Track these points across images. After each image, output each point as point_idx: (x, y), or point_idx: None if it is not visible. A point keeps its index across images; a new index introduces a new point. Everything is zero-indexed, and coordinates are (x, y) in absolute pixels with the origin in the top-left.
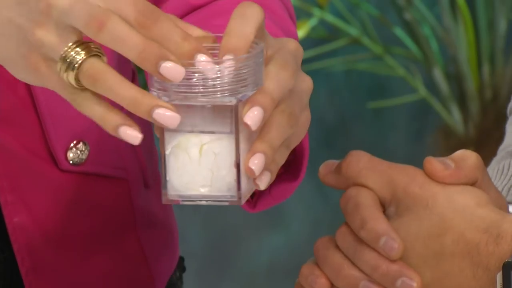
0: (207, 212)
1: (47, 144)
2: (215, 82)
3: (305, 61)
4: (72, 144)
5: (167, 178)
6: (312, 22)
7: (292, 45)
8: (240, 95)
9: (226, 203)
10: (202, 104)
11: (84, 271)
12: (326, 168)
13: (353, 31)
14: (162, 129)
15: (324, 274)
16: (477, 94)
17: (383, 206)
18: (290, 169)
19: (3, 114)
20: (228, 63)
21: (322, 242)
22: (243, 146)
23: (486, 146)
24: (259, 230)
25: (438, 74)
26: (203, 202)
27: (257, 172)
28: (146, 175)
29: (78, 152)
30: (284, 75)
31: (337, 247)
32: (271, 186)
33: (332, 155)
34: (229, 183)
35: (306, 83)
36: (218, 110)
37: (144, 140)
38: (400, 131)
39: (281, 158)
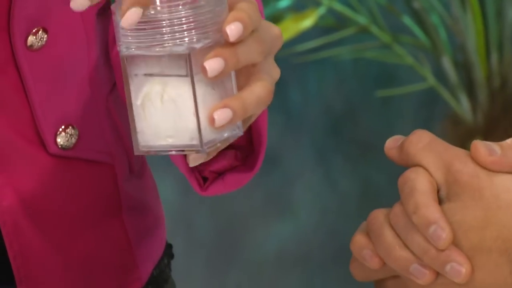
0: (214, 201)
1: (37, 128)
2: (165, 30)
3: (313, 50)
4: (61, 129)
5: (137, 130)
6: (321, 10)
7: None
8: (195, 43)
9: (192, 152)
10: (157, 54)
11: (69, 255)
12: (391, 142)
13: (362, 19)
14: (127, 80)
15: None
16: (486, 82)
17: (437, 188)
18: (247, 161)
19: None
20: (177, 9)
21: (376, 217)
22: (202, 92)
23: (494, 134)
24: (267, 218)
25: (446, 63)
26: (173, 152)
27: (218, 124)
28: (131, 161)
29: (68, 136)
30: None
31: (390, 225)
32: (225, 174)
33: (340, 144)
34: (191, 132)
35: (275, 31)
36: (173, 59)
37: (129, 126)
38: (408, 120)
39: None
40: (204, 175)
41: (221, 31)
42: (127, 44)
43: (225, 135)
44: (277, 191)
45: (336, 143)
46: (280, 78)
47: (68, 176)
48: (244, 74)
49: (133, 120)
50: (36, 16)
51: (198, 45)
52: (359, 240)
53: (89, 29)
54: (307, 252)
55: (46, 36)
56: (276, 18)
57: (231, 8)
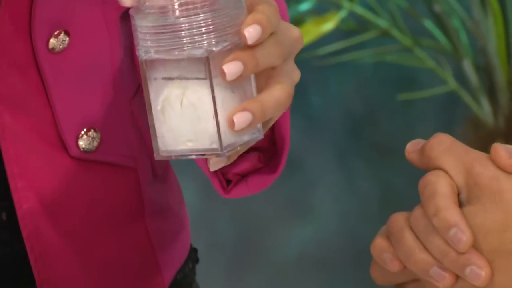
0: (236, 204)
1: (58, 131)
2: (183, 34)
3: (334, 53)
4: (83, 132)
5: (157, 134)
6: (342, 14)
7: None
8: (213, 46)
9: (213, 156)
10: (176, 58)
11: (91, 258)
12: (412, 146)
13: (383, 23)
14: (146, 84)
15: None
16: (507, 85)
17: (458, 191)
18: (270, 163)
19: (15, 99)
20: (195, 13)
21: (397, 220)
22: (222, 95)
23: None
24: (288, 221)
25: (467, 66)
26: (193, 156)
27: (237, 127)
28: (154, 165)
29: (90, 139)
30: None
31: (411, 228)
32: (248, 176)
33: (361, 147)
34: (211, 135)
35: (295, 33)
36: (192, 62)
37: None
38: (429, 123)
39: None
40: (228, 177)
41: (239, 33)
42: (146, 48)
43: (245, 138)
44: (298, 194)
45: (357, 147)
46: (301, 81)
47: (90, 180)
48: (264, 77)
49: (153, 125)
50: (57, 19)
51: (216, 48)
52: (379, 243)
53: (112, 32)
54: (328, 255)
55: (68, 38)
56: (297, 21)
57: (250, 11)
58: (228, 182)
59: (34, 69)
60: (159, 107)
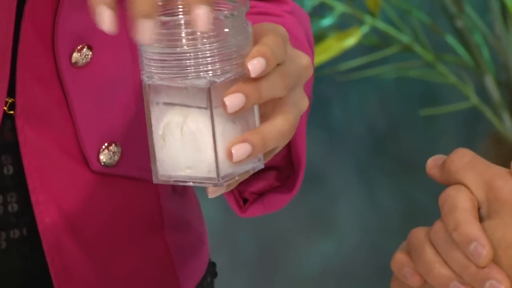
0: (257, 218)
1: (79, 145)
2: (188, 63)
3: (356, 69)
4: (104, 146)
5: (157, 158)
6: (364, 29)
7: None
8: (217, 77)
9: (210, 185)
10: (178, 85)
11: (111, 272)
12: (433, 161)
13: (405, 38)
14: (148, 108)
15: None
16: None
17: (478, 206)
18: (287, 182)
19: (37, 113)
20: (201, 42)
21: (417, 235)
22: (222, 126)
23: None
24: (310, 236)
25: (489, 82)
26: (190, 183)
27: (236, 159)
28: None
29: (111, 154)
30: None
31: (431, 242)
32: (264, 195)
33: (383, 162)
34: (209, 165)
35: (303, 61)
36: (195, 91)
37: None
38: (451, 139)
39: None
40: (244, 196)
41: (243, 65)
42: (150, 74)
43: (245, 168)
44: (320, 209)
45: (379, 162)
46: (323, 96)
47: (111, 194)
48: (271, 104)
49: (153, 148)
50: (81, 33)
51: (219, 79)
52: (399, 258)
53: (134, 46)
54: (350, 270)
55: (90, 53)
56: (319, 37)
57: (256, 41)
58: (245, 200)
59: (57, 83)
60: (160, 132)
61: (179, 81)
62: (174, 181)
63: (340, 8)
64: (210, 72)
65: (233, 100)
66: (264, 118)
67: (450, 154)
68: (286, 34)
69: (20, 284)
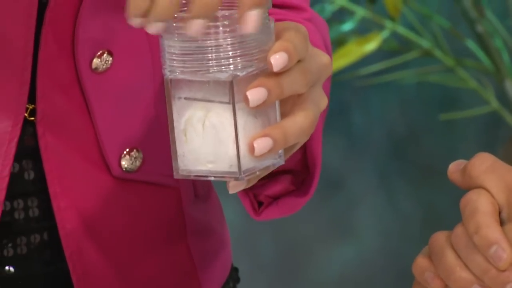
0: (278, 224)
1: (101, 151)
2: (210, 56)
3: (377, 73)
4: (125, 151)
5: (178, 153)
6: (384, 34)
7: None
8: (239, 70)
9: (231, 179)
10: (200, 79)
11: (133, 278)
12: (455, 166)
13: (425, 43)
14: (170, 103)
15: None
16: None
17: (499, 210)
18: (302, 185)
19: (57, 119)
20: (223, 36)
21: (438, 239)
22: (244, 120)
23: None
24: (330, 241)
25: (510, 86)
26: (211, 178)
27: (257, 153)
28: (196, 184)
29: (132, 159)
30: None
31: (452, 246)
32: (279, 198)
33: (403, 167)
34: (231, 159)
35: (323, 60)
36: (217, 85)
37: None
38: (471, 143)
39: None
40: (260, 199)
41: (266, 60)
42: (172, 68)
43: (265, 163)
44: (340, 214)
45: (399, 167)
46: (343, 101)
47: (132, 199)
48: (290, 103)
49: (174, 144)
50: (101, 39)
51: (241, 73)
52: (420, 262)
53: (155, 51)
54: (370, 276)
55: (111, 58)
56: (339, 42)
57: (278, 37)
58: (259, 204)
59: (77, 89)
60: (181, 127)
61: (201, 75)
62: (195, 175)
63: (360, 13)
64: (232, 66)
65: (256, 94)
66: (283, 115)
67: (471, 159)
68: (307, 33)
69: None
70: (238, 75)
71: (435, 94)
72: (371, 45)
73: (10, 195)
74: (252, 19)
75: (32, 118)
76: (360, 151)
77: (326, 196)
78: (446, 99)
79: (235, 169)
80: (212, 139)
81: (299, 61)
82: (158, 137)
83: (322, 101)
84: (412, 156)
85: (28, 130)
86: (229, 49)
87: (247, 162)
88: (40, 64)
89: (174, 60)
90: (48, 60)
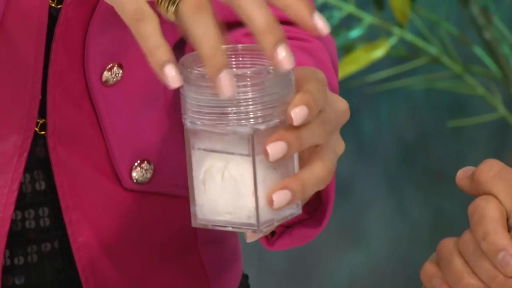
0: None
1: (111, 163)
2: (230, 110)
3: (384, 80)
4: (136, 163)
5: (196, 202)
6: (392, 41)
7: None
8: (259, 124)
9: (249, 230)
10: (220, 132)
11: None
12: (463, 173)
13: (433, 50)
14: (189, 152)
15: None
16: None
17: (507, 216)
18: (314, 215)
19: (69, 132)
20: (244, 90)
21: (446, 245)
22: (263, 172)
23: None
24: (339, 248)
25: None
26: (229, 228)
27: (276, 206)
28: None
29: (143, 171)
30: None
31: (459, 252)
32: (292, 229)
33: (412, 174)
34: (249, 211)
35: (341, 107)
36: (237, 138)
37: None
38: (479, 150)
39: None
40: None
41: (286, 112)
42: (192, 119)
43: (283, 214)
44: (349, 220)
45: (408, 173)
46: (352, 108)
47: (144, 211)
48: (307, 150)
49: (193, 192)
50: (111, 52)
51: (262, 127)
52: (428, 269)
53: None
54: (379, 281)
55: (121, 71)
56: (347, 48)
57: (298, 87)
58: (272, 233)
59: (88, 102)
60: (200, 177)
61: (221, 128)
62: (213, 225)
63: (368, 19)
64: (252, 120)
65: (275, 149)
66: (301, 162)
67: (479, 165)
68: (325, 79)
69: None
70: (258, 129)
71: (443, 101)
72: (379, 52)
73: (21, 205)
74: (280, 54)
75: (43, 132)
76: (369, 157)
77: (336, 202)
78: (454, 105)
79: (253, 221)
80: (231, 191)
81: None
82: (169, 149)
83: (339, 147)
84: (420, 162)
85: (39, 142)
86: (250, 103)
87: (265, 214)
88: (50, 78)
89: (195, 111)
90: (59, 74)
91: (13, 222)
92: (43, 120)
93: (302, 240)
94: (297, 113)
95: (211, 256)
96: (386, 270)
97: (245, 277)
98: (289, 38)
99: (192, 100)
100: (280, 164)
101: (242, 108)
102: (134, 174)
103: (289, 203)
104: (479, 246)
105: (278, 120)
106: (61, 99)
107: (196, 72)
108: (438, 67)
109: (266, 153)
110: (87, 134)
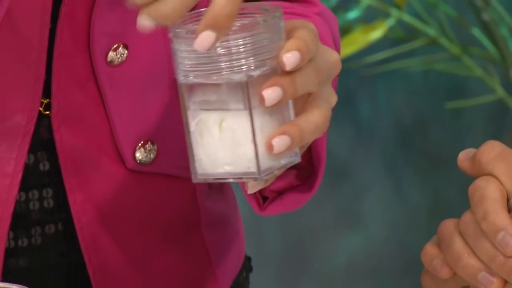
0: (284, 214)
1: (115, 143)
2: (222, 58)
3: (382, 61)
4: (140, 144)
5: (195, 157)
6: (390, 22)
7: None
8: (252, 71)
9: (250, 180)
10: (214, 82)
11: (149, 270)
12: (464, 154)
13: (431, 31)
14: (184, 108)
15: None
16: None
17: (507, 197)
18: (306, 182)
19: (73, 112)
20: (234, 37)
21: (446, 226)
22: (260, 120)
23: None
24: (337, 231)
25: None
26: (230, 180)
27: (276, 151)
28: None
29: (146, 152)
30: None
31: (460, 233)
32: (284, 194)
33: (410, 156)
34: (249, 160)
35: (333, 57)
36: (231, 87)
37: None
38: (477, 132)
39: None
40: (265, 194)
41: (278, 59)
42: (185, 72)
43: (282, 162)
44: (347, 204)
45: (406, 156)
46: (349, 90)
47: (147, 191)
48: (301, 101)
49: (191, 148)
50: (116, 32)
51: (255, 73)
52: (429, 250)
53: (169, 42)
54: (377, 265)
55: (126, 52)
56: (345, 30)
57: (289, 36)
58: (264, 199)
59: (93, 82)
60: (197, 131)
61: (214, 78)
62: (213, 178)
63: (366, 1)
64: (244, 66)
65: (271, 94)
66: (295, 115)
67: (481, 147)
68: (316, 30)
69: (56, 279)
70: (253, 75)
71: (441, 82)
72: (377, 33)
73: (25, 186)
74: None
75: (47, 112)
76: (367, 140)
77: (333, 186)
78: (452, 87)
79: (254, 169)
80: (229, 141)
81: (310, 59)
82: (173, 129)
83: (332, 98)
84: (419, 144)
85: (44, 123)
86: (241, 49)
87: (265, 162)
88: (55, 59)
89: (187, 64)
90: (64, 55)
91: (17, 203)
92: (48, 100)
93: (293, 205)
94: (289, 58)
95: (213, 237)
96: (384, 253)
97: (247, 259)
98: (289, 13)
99: (183, 53)
100: (276, 111)
101: (233, 56)
102: (137, 154)
103: (288, 148)
104: (479, 226)
105: (270, 67)
106: (66, 79)
107: (186, 28)
108: (436, 49)
109: (262, 99)
110: (91, 115)
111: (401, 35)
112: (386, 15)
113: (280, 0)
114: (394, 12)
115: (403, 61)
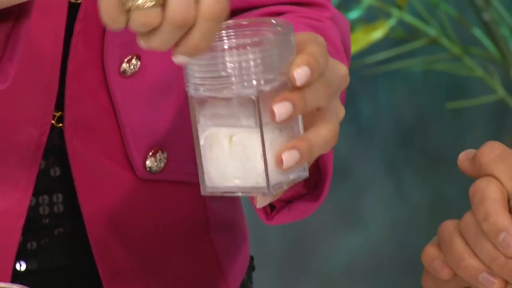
0: None
1: (126, 152)
2: (234, 73)
3: (383, 62)
4: (150, 153)
5: (204, 170)
6: (391, 22)
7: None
8: (263, 86)
9: (259, 194)
10: (225, 96)
11: (160, 276)
12: (465, 155)
13: (432, 31)
14: (195, 121)
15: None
16: None
17: (508, 197)
18: (314, 191)
19: (85, 123)
20: (245, 52)
21: (447, 227)
22: (270, 135)
23: None
24: (337, 230)
25: None
26: (239, 194)
27: (286, 166)
28: None
29: (157, 160)
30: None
31: (460, 234)
32: (291, 203)
33: (410, 156)
34: (259, 174)
35: (342, 71)
36: (241, 102)
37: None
38: (478, 132)
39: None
40: (272, 203)
41: (288, 74)
42: (196, 86)
43: (291, 177)
44: (348, 203)
45: (407, 155)
46: (350, 90)
47: (157, 199)
48: (308, 114)
49: (200, 161)
50: (130, 44)
51: (266, 88)
52: (430, 251)
53: None
54: (377, 264)
55: (139, 63)
56: None
57: (298, 50)
58: (271, 208)
59: (104, 92)
60: (207, 145)
61: (225, 92)
62: (222, 192)
63: (367, 1)
64: (255, 81)
65: (281, 109)
66: (303, 129)
67: (481, 147)
68: (324, 43)
69: (65, 282)
70: (263, 90)
71: (442, 82)
72: (378, 33)
73: (36, 191)
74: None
75: (60, 125)
76: (368, 139)
77: (334, 185)
78: (453, 87)
79: (263, 184)
80: (239, 156)
81: (320, 74)
82: (183, 137)
83: (340, 112)
84: (419, 144)
85: (56, 131)
86: (251, 64)
87: (274, 177)
88: (69, 73)
89: (197, 78)
90: (78, 68)
91: (28, 208)
92: (60, 113)
93: (300, 214)
94: (299, 73)
95: (222, 241)
96: (384, 252)
97: (251, 258)
98: (300, 17)
99: (194, 67)
100: (285, 127)
101: (244, 70)
102: (148, 163)
103: (297, 163)
104: (480, 227)
105: (281, 82)
106: (78, 91)
107: None
108: (437, 49)
109: (272, 114)
110: (103, 125)
111: (402, 35)
112: (387, 15)
113: (294, 5)
114: (395, 12)
115: (404, 61)
